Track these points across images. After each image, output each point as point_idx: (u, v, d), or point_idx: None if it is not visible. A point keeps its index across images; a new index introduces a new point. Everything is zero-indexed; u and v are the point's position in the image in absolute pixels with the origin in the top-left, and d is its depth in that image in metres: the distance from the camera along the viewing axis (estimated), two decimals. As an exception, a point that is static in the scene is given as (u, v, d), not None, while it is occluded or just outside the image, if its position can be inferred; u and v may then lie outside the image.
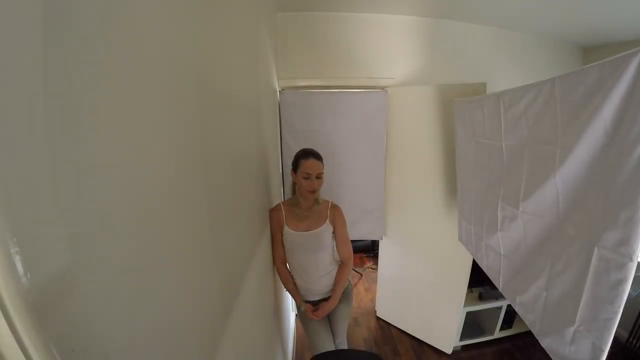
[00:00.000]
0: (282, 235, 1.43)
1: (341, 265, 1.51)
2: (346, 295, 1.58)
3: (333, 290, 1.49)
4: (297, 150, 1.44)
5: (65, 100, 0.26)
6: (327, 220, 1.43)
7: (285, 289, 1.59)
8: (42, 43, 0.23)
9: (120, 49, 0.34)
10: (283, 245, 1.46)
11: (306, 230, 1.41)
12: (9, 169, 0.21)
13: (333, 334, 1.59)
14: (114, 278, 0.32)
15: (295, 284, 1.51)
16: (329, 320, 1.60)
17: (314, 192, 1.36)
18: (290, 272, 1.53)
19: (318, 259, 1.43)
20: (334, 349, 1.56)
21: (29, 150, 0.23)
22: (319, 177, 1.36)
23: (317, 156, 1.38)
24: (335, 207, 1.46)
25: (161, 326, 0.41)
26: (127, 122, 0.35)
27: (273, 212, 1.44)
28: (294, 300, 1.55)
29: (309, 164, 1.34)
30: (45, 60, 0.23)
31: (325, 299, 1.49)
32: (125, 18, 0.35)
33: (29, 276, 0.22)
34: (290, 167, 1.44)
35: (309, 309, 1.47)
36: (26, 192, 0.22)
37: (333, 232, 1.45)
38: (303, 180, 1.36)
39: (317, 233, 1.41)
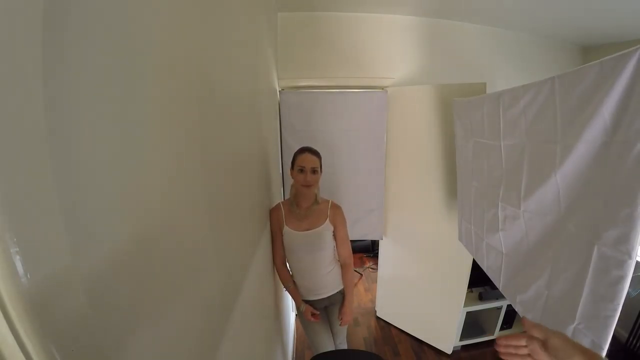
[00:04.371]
0: (282, 235, 1.43)
1: (343, 267, 1.51)
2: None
3: (344, 294, 1.51)
4: None
5: (65, 100, 0.26)
6: (328, 220, 1.42)
7: (285, 289, 1.59)
8: (42, 43, 0.23)
9: (120, 49, 0.34)
10: (283, 245, 1.46)
11: (306, 230, 1.41)
12: (9, 169, 0.21)
13: (334, 334, 1.59)
14: (114, 278, 0.32)
15: (295, 284, 1.51)
16: (329, 320, 1.60)
17: (308, 186, 1.36)
18: (290, 272, 1.53)
19: (318, 258, 1.43)
20: (334, 349, 1.56)
21: (29, 150, 0.23)
22: (314, 172, 1.36)
23: (312, 151, 1.38)
24: (336, 207, 1.46)
25: (161, 326, 0.41)
26: (128, 122, 0.35)
27: (273, 211, 1.44)
28: (294, 301, 1.55)
29: (303, 157, 1.35)
30: (45, 60, 0.24)
31: (326, 298, 1.50)
32: (126, 18, 0.35)
33: (29, 276, 0.22)
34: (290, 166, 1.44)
35: (308, 310, 1.47)
36: (26, 192, 0.22)
37: (333, 232, 1.45)
38: (298, 175, 1.35)
39: (317, 232, 1.41)
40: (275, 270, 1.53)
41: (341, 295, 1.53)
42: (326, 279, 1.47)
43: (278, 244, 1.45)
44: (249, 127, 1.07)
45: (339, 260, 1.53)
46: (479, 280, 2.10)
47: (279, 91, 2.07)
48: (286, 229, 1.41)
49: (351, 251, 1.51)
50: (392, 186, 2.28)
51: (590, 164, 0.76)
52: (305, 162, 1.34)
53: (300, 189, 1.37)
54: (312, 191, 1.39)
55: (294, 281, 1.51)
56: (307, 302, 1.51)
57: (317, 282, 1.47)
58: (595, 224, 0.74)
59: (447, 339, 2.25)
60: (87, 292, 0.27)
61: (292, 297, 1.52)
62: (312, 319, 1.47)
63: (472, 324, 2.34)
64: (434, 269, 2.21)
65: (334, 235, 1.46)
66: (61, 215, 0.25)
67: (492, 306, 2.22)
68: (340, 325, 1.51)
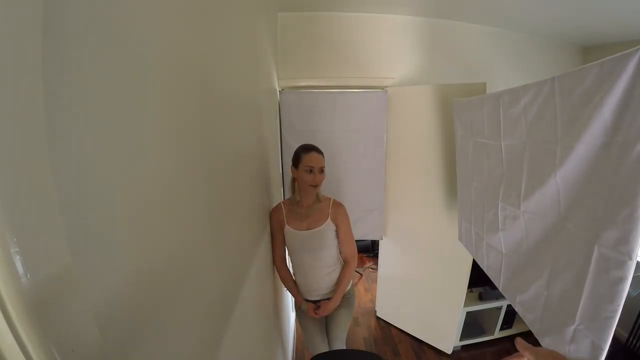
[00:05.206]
0: (283, 235, 1.43)
1: (344, 264, 1.50)
2: (347, 301, 1.56)
3: (335, 290, 1.47)
4: None
5: (65, 100, 0.26)
6: (329, 218, 1.41)
7: (285, 289, 1.59)
8: (42, 43, 0.23)
9: (121, 49, 0.34)
10: (284, 245, 1.45)
11: (307, 229, 1.40)
12: (9, 169, 0.21)
13: (332, 339, 1.57)
14: (114, 278, 0.32)
15: (295, 283, 1.50)
16: (328, 324, 1.58)
17: (316, 186, 1.35)
18: (291, 272, 1.53)
19: (320, 258, 1.42)
20: (327, 350, 1.55)
21: (29, 150, 0.23)
22: (321, 171, 1.35)
23: (318, 150, 1.37)
24: (337, 205, 1.44)
25: (161, 326, 0.41)
26: (128, 122, 0.35)
27: (273, 212, 1.44)
28: (294, 300, 1.55)
29: (311, 157, 1.34)
30: (45, 60, 0.23)
31: (327, 299, 1.49)
32: (126, 18, 0.35)
33: (29, 276, 0.22)
34: (291, 165, 1.42)
35: (310, 307, 1.47)
36: (26, 192, 0.22)
37: (336, 231, 1.43)
38: (305, 175, 1.34)
39: (318, 232, 1.40)
40: (276, 270, 1.53)
41: (341, 297, 1.51)
42: (327, 278, 1.46)
43: (278, 244, 1.44)
44: (249, 127, 1.07)
45: (342, 260, 1.51)
46: (479, 280, 2.11)
47: (279, 91, 2.07)
48: (287, 229, 1.41)
49: (355, 250, 1.48)
50: (392, 186, 2.28)
51: (591, 165, 0.76)
52: (313, 162, 1.33)
53: (307, 188, 1.36)
54: (316, 190, 1.39)
55: (294, 280, 1.51)
56: (307, 301, 1.50)
57: (317, 282, 1.46)
58: (595, 224, 0.74)
59: (447, 339, 2.26)
60: (87, 292, 0.27)
61: (292, 296, 1.52)
62: (315, 314, 1.46)
63: (472, 324, 2.34)
64: (434, 269, 2.21)
65: (337, 234, 1.45)
66: (61, 215, 0.25)
67: (492, 306, 2.22)
68: (316, 314, 1.46)
